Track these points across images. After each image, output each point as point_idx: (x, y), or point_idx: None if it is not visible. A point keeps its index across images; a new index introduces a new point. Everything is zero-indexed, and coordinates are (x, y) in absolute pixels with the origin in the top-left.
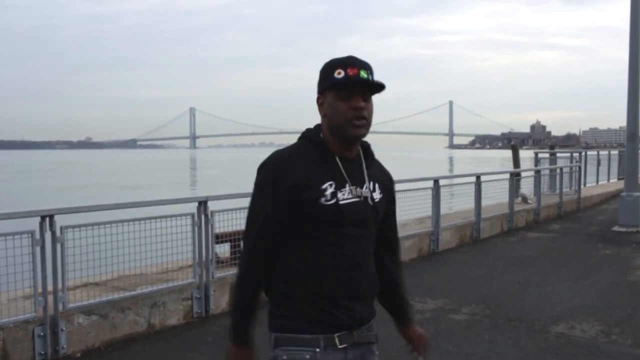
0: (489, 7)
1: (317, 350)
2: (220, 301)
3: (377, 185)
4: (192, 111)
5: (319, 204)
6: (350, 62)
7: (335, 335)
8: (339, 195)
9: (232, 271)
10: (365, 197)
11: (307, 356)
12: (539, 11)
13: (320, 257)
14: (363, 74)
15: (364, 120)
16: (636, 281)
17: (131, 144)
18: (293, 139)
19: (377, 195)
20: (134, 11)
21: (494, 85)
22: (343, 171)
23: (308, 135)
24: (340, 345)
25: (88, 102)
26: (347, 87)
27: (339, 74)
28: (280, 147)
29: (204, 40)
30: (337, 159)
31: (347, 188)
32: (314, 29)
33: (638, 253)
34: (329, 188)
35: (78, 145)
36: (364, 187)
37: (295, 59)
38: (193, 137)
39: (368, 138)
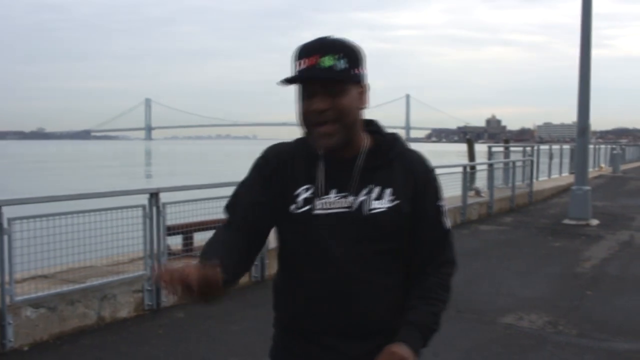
0: (446, 3)
1: None
2: None
3: (388, 192)
4: (148, 102)
5: (288, 212)
6: (310, 49)
7: None
8: (317, 203)
9: (185, 263)
10: (359, 207)
11: None
12: (495, 8)
13: (288, 280)
14: (327, 61)
15: (322, 126)
16: (584, 273)
17: (85, 135)
18: (248, 132)
19: (382, 204)
20: (86, 2)
21: (451, 80)
22: (324, 174)
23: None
24: None
25: (40, 93)
26: (302, 83)
27: (299, 65)
28: (237, 140)
29: (158, 32)
30: (323, 159)
31: (333, 195)
32: (270, 22)
33: (587, 245)
34: (302, 193)
35: (30, 135)
36: (361, 195)
37: (250, 52)
38: (148, 129)
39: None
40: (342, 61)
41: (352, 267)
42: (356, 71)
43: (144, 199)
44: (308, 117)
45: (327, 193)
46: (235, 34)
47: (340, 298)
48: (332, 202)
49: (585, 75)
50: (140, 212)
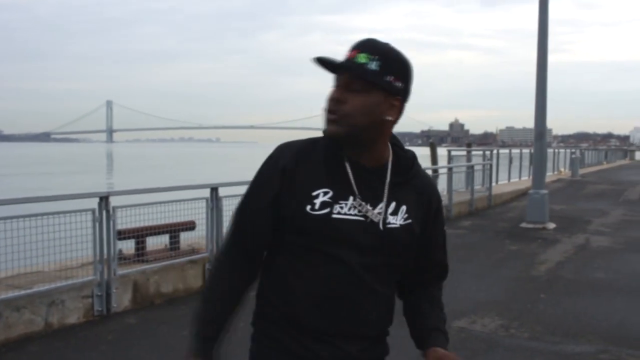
0: (407, 7)
1: None
2: (123, 299)
3: (402, 209)
4: (109, 104)
5: (304, 212)
6: (356, 44)
7: None
8: (336, 207)
9: (136, 268)
10: (375, 219)
11: None
12: (456, 12)
13: (297, 278)
14: (361, 58)
15: (332, 114)
16: (539, 276)
17: (44, 137)
18: (212, 134)
19: (396, 220)
20: (45, 1)
21: (414, 84)
22: (352, 180)
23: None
24: None
25: None
26: (328, 70)
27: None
28: (201, 142)
29: (119, 33)
30: (347, 163)
31: (351, 202)
32: (233, 24)
33: (543, 248)
34: (321, 196)
35: None
36: (378, 207)
37: (213, 55)
38: (110, 131)
39: (289, 134)
40: (374, 63)
41: (363, 275)
42: (389, 79)
43: (93, 203)
44: (327, 103)
45: (346, 199)
46: (197, 36)
47: (353, 304)
48: (351, 209)
49: (542, 80)
50: (90, 216)
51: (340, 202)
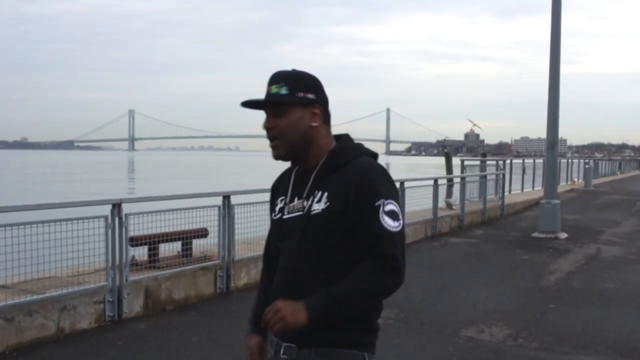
0: (423, 19)
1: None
2: (134, 304)
3: (325, 195)
4: (131, 113)
5: (271, 219)
6: (268, 80)
7: (280, 342)
8: (286, 209)
9: (148, 274)
10: (307, 210)
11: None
12: (472, 23)
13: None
14: (273, 89)
15: (271, 141)
16: (548, 286)
17: (68, 145)
18: (231, 143)
19: (319, 207)
20: (69, 12)
21: (429, 94)
22: (292, 185)
23: None
24: (283, 354)
25: (24, 103)
26: (252, 107)
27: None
28: (220, 151)
29: (141, 44)
30: (294, 172)
31: (295, 202)
32: (250, 36)
33: (553, 258)
34: (279, 203)
35: (14, 145)
36: (308, 200)
37: (232, 65)
38: (132, 140)
39: None
40: (283, 88)
41: (300, 261)
42: (300, 94)
43: (106, 210)
44: (266, 134)
45: (292, 200)
46: (217, 47)
47: (290, 287)
48: (294, 207)
49: (554, 91)
50: (102, 222)
51: (289, 204)
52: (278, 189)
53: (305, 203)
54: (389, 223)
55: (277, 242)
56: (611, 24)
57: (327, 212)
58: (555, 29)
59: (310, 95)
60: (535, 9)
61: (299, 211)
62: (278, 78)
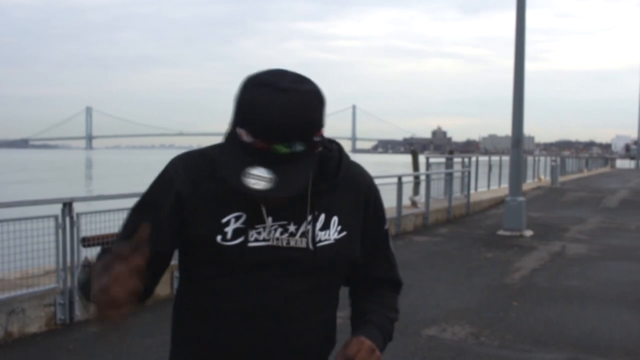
0: (388, 14)
1: None
2: (86, 307)
3: (334, 220)
4: (89, 111)
5: (214, 242)
6: (263, 127)
7: None
8: (252, 233)
9: None
10: (303, 239)
11: None
12: (437, 19)
13: (205, 312)
14: (280, 148)
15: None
16: (512, 283)
17: (22, 143)
18: (194, 142)
19: (329, 236)
20: (22, 5)
21: (395, 92)
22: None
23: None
24: None
25: None
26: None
27: (242, 135)
28: (181, 150)
29: (98, 38)
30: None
31: (270, 223)
32: (211, 30)
33: (518, 256)
34: (232, 222)
35: None
36: (303, 225)
37: (194, 61)
38: (89, 138)
39: None
40: (299, 145)
41: (290, 307)
42: (318, 138)
43: (57, 209)
44: None
45: (264, 222)
46: (177, 42)
47: (276, 337)
48: (270, 232)
49: (519, 87)
50: (52, 222)
51: (257, 226)
52: (206, 194)
53: (296, 228)
54: (392, 245)
55: (231, 279)
56: (576, 21)
57: (343, 245)
58: (520, 26)
59: (317, 138)
60: (500, 5)
61: (281, 239)
62: (290, 133)
